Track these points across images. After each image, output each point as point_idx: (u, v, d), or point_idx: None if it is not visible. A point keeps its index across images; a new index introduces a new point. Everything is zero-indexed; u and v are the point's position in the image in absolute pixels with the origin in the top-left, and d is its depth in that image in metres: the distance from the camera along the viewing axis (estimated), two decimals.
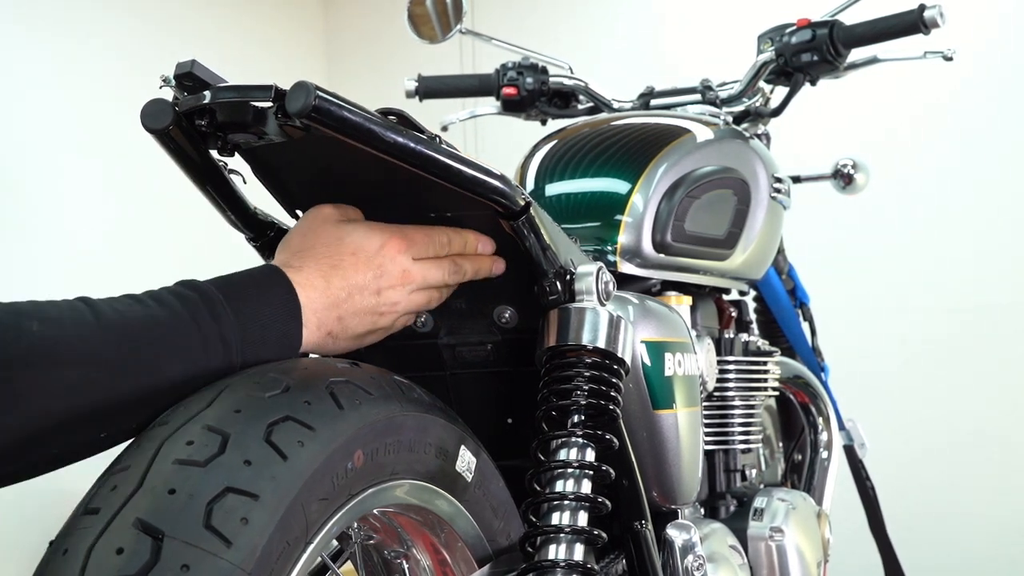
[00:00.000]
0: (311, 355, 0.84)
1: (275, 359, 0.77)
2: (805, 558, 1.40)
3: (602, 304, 0.93)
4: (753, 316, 1.73)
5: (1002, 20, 2.82)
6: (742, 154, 1.47)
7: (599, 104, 1.76)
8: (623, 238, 1.24)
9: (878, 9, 1.59)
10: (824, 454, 1.73)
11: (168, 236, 3.13)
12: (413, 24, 1.77)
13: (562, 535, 0.83)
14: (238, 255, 1.11)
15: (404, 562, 0.93)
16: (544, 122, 1.86)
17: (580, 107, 1.79)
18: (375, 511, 0.84)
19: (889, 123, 2.91)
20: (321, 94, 0.74)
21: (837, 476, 1.74)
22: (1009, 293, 2.76)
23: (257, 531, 0.62)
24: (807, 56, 1.59)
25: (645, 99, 1.71)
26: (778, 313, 1.77)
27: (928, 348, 2.84)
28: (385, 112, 0.80)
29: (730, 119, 1.60)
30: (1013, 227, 2.77)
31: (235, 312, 0.75)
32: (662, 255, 1.27)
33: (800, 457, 1.74)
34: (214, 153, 0.88)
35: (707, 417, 1.38)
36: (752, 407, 1.45)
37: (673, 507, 1.15)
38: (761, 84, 1.65)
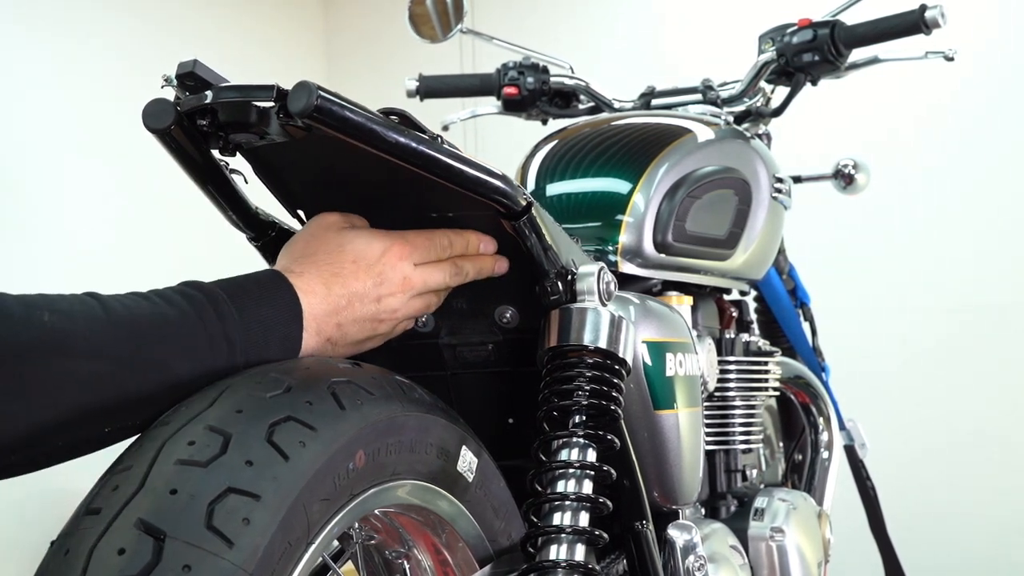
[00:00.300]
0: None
1: (277, 360, 0.77)
2: (806, 558, 1.40)
3: (603, 304, 0.93)
4: (754, 316, 1.73)
5: (1003, 20, 2.82)
6: (743, 154, 1.47)
7: (600, 104, 1.75)
8: (624, 238, 1.24)
9: (879, 9, 1.59)
10: (825, 454, 1.73)
11: (169, 236, 3.13)
12: (413, 24, 1.77)
13: (563, 535, 0.83)
14: (239, 255, 1.12)
15: (405, 562, 0.93)
16: (545, 122, 1.86)
17: (581, 107, 1.79)
18: (376, 511, 0.84)
19: (890, 123, 2.91)
20: (323, 94, 0.74)
21: (838, 476, 1.74)
22: (1009, 293, 2.76)
23: (259, 531, 0.62)
24: (808, 56, 1.59)
25: (646, 99, 1.71)
26: (779, 313, 1.77)
27: (928, 348, 2.84)
28: (387, 112, 0.80)
29: (731, 119, 1.60)
30: (1013, 227, 2.77)
31: (239, 312, 0.76)
32: (663, 255, 1.27)
33: (801, 457, 1.74)
34: (216, 153, 0.88)
35: (708, 417, 1.38)
36: (753, 407, 1.45)
37: (674, 507, 1.15)
38: (762, 84, 1.65)
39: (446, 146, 0.82)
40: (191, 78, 0.80)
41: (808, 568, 1.40)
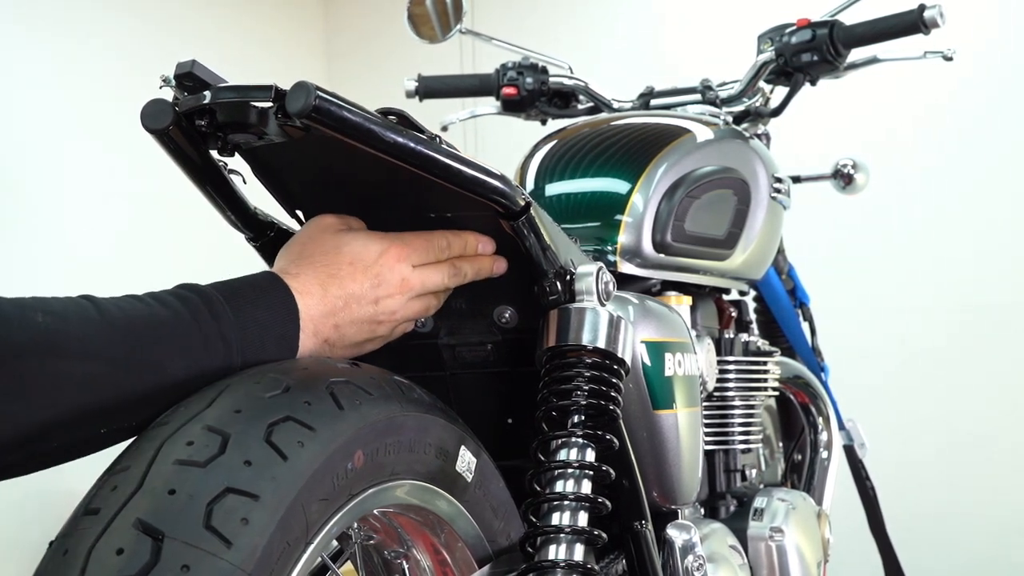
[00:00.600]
0: None
1: (274, 361, 0.77)
2: (805, 558, 1.40)
3: (602, 304, 0.93)
4: (753, 316, 1.73)
5: (1002, 20, 2.82)
6: (742, 154, 1.47)
7: (599, 104, 1.76)
8: (623, 238, 1.24)
9: (878, 9, 1.59)
10: (824, 454, 1.73)
11: (168, 236, 3.13)
12: (413, 24, 1.77)
13: (562, 535, 0.83)
14: (239, 255, 1.12)
15: (404, 562, 0.93)
16: (544, 122, 1.86)
17: (580, 107, 1.79)
18: (375, 511, 0.84)
19: (889, 123, 2.91)
20: (321, 94, 0.74)
21: (837, 476, 1.74)
22: (1009, 293, 2.76)
23: (257, 531, 0.62)
24: (807, 56, 1.59)
25: (645, 99, 1.71)
26: (778, 313, 1.77)
27: (928, 348, 2.84)
28: (385, 112, 0.80)
29: (730, 119, 1.60)
30: (1013, 227, 2.77)
31: (235, 312, 0.76)
32: (662, 255, 1.27)
33: (800, 457, 1.74)
34: (214, 153, 0.88)
35: (707, 417, 1.38)
36: (752, 407, 1.45)
37: (673, 507, 1.15)
38: (761, 84, 1.65)
39: (444, 146, 0.82)
40: (189, 78, 0.80)
41: (807, 568, 1.40)
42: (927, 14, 1.52)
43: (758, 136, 1.66)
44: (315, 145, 0.82)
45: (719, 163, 1.38)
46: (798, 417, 1.75)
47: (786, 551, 1.37)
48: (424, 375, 0.97)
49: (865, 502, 1.83)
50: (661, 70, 2.45)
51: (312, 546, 0.69)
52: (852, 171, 1.88)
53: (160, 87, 0.83)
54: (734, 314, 1.53)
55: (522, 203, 0.87)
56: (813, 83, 1.66)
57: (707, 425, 1.38)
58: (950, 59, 1.63)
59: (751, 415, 1.45)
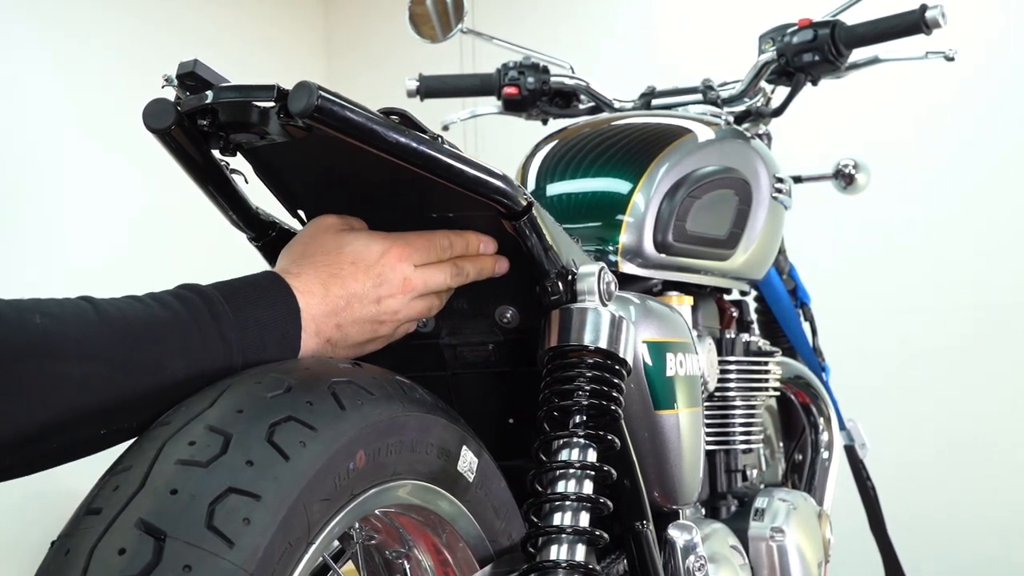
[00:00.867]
0: None
1: (276, 360, 0.77)
2: (806, 558, 1.40)
3: (604, 304, 0.93)
4: (754, 316, 1.73)
5: (1003, 20, 2.82)
6: (743, 154, 1.47)
7: (600, 104, 1.75)
8: (624, 238, 1.24)
9: (879, 9, 1.59)
10: (825, 454, 1.73)
11: (170, 236, 3.13)
12: (414, 24, 1.77)
13: (564, 535, 0.83)
14: (240, 254, 1.11)
15: (406, 562, 0.93)
16: (545, 122, 1.85)
17: (581, 107, 1.79)
18: (377, 511, 0.84)
19: (890, 123, 2.91)
20: (324, 94, 0.74)
21: (838, 476, 1.74)
22: (1009, 293, 2.76)
23: (259, 531, 0.62)
24: (808, 56, 1.59)
25: (646, 99, 1.71)
26: (779, 313, 1.77)
27: (928, 348, 2.84)
28: (387, 112, 0.80)
29: (731, 119, 1.60)
30: (1013, 227, 2.77)
31: (235, 312, 0.76)
32: (663, 255, 1.27)
33: (801, 457, 1.74)
34: (216, 153, 0.88)
35: (708, 417, 1.38)
36: (753, 407, 1.45)
37: (674, 507, 1.15)
38: (762, 84, 1.65)
39: (446, 146, 0.82)
40: (191, 78, 0.80)
41: (808, 568, 1.40)
42: (928, 14, 1.52)
43: (759, 136, 1.66)
44: (317, 145, 0.82)
45: (720, 163, 1.38)
46: (799, 417, 1.75)
47: (787, 551, 1.37)
48: (426, 375, 0.97)
49: (866, 502, 1.83)
50: (662, 70, 2.46)
51: (314, 546, 0.69)
52: (853, 171, 1.88)
53: (162, 87, 0.83)
54: (735, 314, 1.53)
55: (524, 203, 0.87)
56: (814, 83, 1.65)
57: (708, 425, 1.38)
58: (951, 59, 1.63)
59: (752, 415, 1.45)
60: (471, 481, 0.88)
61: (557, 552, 0.82)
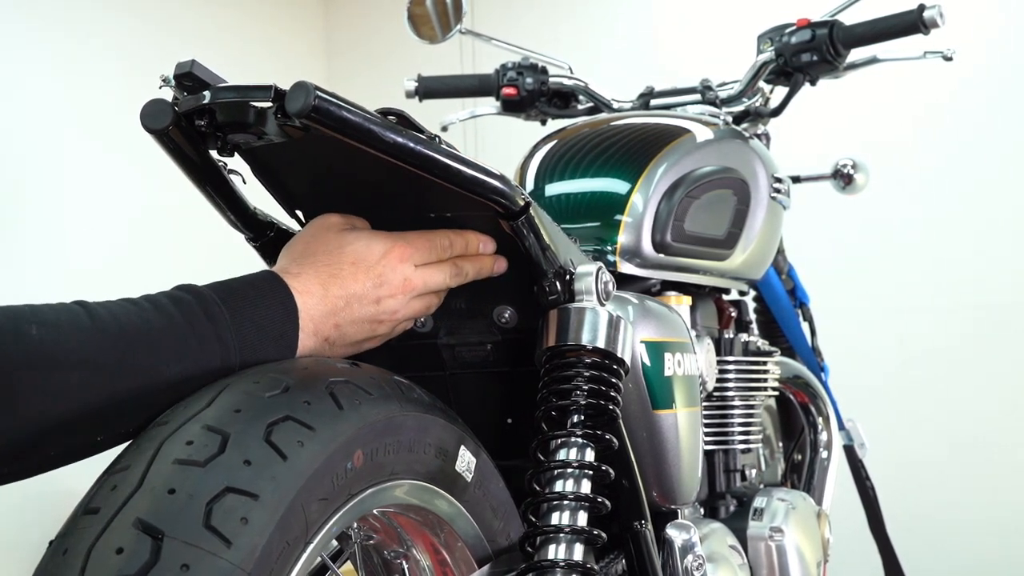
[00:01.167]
0: None
1: (273, 360, 0.77)
2: (805, 558, 1.40)
3: (602, 304, 0.93)
4: (753, 316, 1.73)
5: (1002, 20, 2.82)
6: (742, 154, 1.47)
7: (599, 104, 1.76)
8: (623, 238, 1.24)
9: (878, 9, 1.59)
10: (824, 454, 1.73)
11: (168, 236, 3.13)
12: (413, 24, 1.77)
13: (562, 535, 0.83)
14: (239, 254, 1.11)
15: (404, 562, 0.93)
16: (544, 122, 1.86)
17: (580, 107, 1.79)
18: (375, 511, 0.84)
19: (889, 123, 2.91)
20: (321, 94, 0.74)
21: (837, 476, 1.74)
22: (1009, 293, 2.76)
23: (257, 531, 0.62)
24: (807, 56, 1.59)
25: (645, 99, 1.71)
26: (778, 313, 1.77)
27: (927, 348, 2.84)
28: (385, 112, 0.80)
29: (730, 119, 1.60)
30: (1013, 227, 2.77)
31: (231, 313, 0.76)
32: (662, 255, 1.27)
33: (800, 457, 1.74)
34: (214, 153, 0.88)
35: (707, 417, 1.38)
36: (752, 407, 1.45)
37: (673, 507, 1.15)
38: (761, 84, 1.65)
39: (444, 146, 0.82)
40: (189, 78, 0.80)
41: (807, 568, 1.40)
42: (927, 14, 1.52)
43: (758, 136, 1.66)
44: (315, 145, 0.82)
45: (719, 163, 1.38)
46: (798, 417, 1.75)
47: (786, 551, 1.37)
48: (424, 375, 0.97)
49: (865, 502, 1.83)
50: (661, 70, 2.45)
51: (312, 546, 0.69)
52: (852, 171, 1.88)
53: (160, 87, 0.83)
54: (734, 314, 1.53)
55: (521, 203, 0.87)
56: (813, 83, 1.66)
57: (707, 425, 1.38)
58: (950, 59, 1.63)
59: (751, 415, 1.45)
60: (469, 481, 0.88)
61: (555, 551, 0.83)
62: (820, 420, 1.74)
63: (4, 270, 2.77)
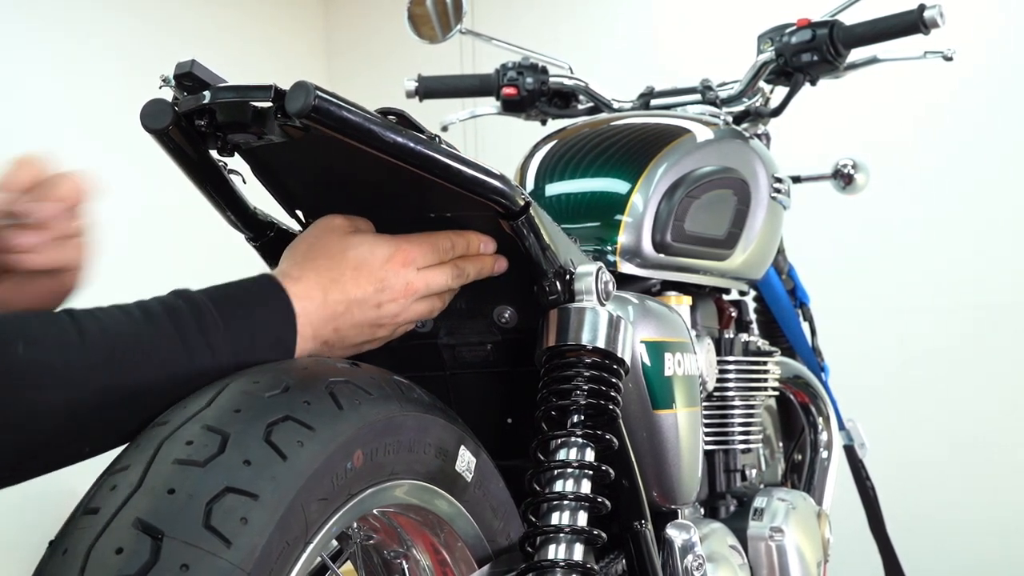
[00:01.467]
0: None
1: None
2: (805, 558, 1.40)
3: (602, 304, 0.93)
4: (753, 316, 1.73)
5: (1002, 20, 2.82)
6: (742, 154, 1.47)
7: (599, 104, 1.76)
8: (623, 238, 1.24)
9: (878, 9, 1.59)
10: (824, 454, 1.73)
11: (168, 236, 3.13)
12: (413, 24, 1.77)
13: (562, 535, 0.83)
14: (239, 255, 1.11)
15: (404, 562, 0.93)
16: (544, 122, 1.86)
17: (580, 107, 1.79)
18: (375, 511, 0.84)
19: (889, 123, 2.91)
20: (320, 94, 0.74)
21: (837, 476, 1.74)
22: (1009, 293, 2.76)
23: (257, 531, 0.62)
24: (807, 56, 1.59)
25: (645, 99, 1.71)
26: (778, 313, 1.77)
27: (928, 348, 2.84)
28: (385, 112, 0.80)
29: (730, 119, 1.60)
30: (1013, 227, 2.77)
31: (225, 321, 0.75)
32: (662, 255, 1.27)
33: (800, 457, 1.74)
34: (214, 153, 0.88)
35: (707, 417, 1.38)
36: (752, 407, 1.45)
37: (673, 507, 1.15)
38: (761, 84, 1.65)
39: (444, 146, 0.82)
40: (189, 78, 0.80)
41: (807, 568, 1.40)
42: (927, 14, 1.52)
43: (758, 136, 1.66)
44: (315, 145, 0.82)
45: (719, 163, 1.38)
46: (798, 417, 1.75)
47: (786, 551, 1.37)
48: (424, 375, 0.97)
49: (865, 502, 1.83)
50: (661, 70, 2.45)
51: (311, 546, 0.69)
52: (852, 171, 1.88)
53: (160, 87, 0.83)
54: (734, 314, 1.53)
55: (521, 203, 0.87)
56: (813, 83, 1.66)
57: (707, 425, 1.38)
58: (950, 59, 1.63)
59: (751, 415, 1.45)
60: (469, 481, 0.88)
61: (555, 551, 0.83)
62: (820, 420, 1.74)
63: None
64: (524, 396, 0.96)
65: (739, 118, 1.66)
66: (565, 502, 0.85)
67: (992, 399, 2.75)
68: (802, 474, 1.72)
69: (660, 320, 1.14)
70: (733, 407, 1.42)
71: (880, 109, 2.90)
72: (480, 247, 0.93)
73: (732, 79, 1.69)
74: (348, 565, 0.97)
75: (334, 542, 0.92)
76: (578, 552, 0.83)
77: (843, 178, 1.88)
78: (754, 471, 1.56)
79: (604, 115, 1.68)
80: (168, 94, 0.83)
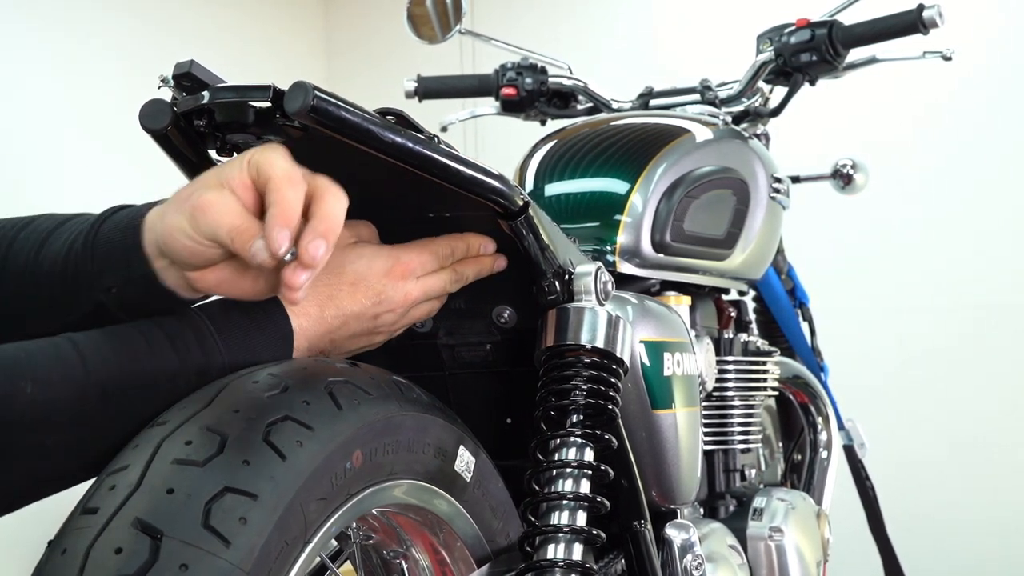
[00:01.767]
0: None
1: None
2: (804, 558, 1.40)
3: (601, 304, 0.93)
4: (752, 316, 1.73)
5: (1002, 20, 2.82)
6: (741, 154, 1.47)
7: (598, 104, 1.76)
8: (622, 238, 1.24)
9: (877, 9, 1.59)
10: (824, 454, 1.73)
11: None
12: (413, 24, 1.77)
13: (561, 535, 0.83)
14: None
15: (403, 562, 0.93)
16: (543, 122, 1.86)
17: (579, 107, 1.79)
18: (374, 511, 0.84)
19: (888, 123, 2.91)
20: (319, 94, 0.74)
21: (837, 476, 1.74)
22: (1009, 293, 2.76)
23: (256, 531, 0.62)
24: (806, 56, 1.59)
25: (644, 99, 1.71)
26: (777, 313, 1.77)
27: (927, 348, 2.84)
28: (384, 112, 0.80)
29: (729, 119, 1.60)
30: (1013, 227, 2.77)
31: (225, 343, 0.76)
32: (661, 255, 1.27)
33: (800, 457, 1.74)
34: (213, 153, 0.88)
35: (706, 417, 1.38)
36: (751, 407, 1.45)
37: (672, 507, 1.15)
38: (760, 84, 1.65)
39: (443, 146, 0.82)
40: (188, 78, 0.80)
41: (807, 568, 1.40)
42: (926, 14, 1.52)
43: (757, 136, 1.66)
44: (314, 145, 0.82)
45: (718, 163, 1.38)
46: (798, 417, 1.75)
47: (785, 551, 1.37)
48: (423, 375, 0.97)
49: (865, 502, 1.83)
50: (660, 70, 2.45)
51: (310, 545, 0.69)
52: (851, 171, 1.88)
53: (159, 87, 0.83)
54: (733, 314, 1.53)
55: (520, 203, 0.87)
56: (812, 83, 1.66)
57: (706, 425, 1.38)
58: (949, 59, 1.63)
59: (750, 415, 1.45)
60: (468, 481, 0.88)
61: (554, 551, 0.82)
62: (820, 420, 1.74)
63: None
64: (523, 396, 0.96)
65: (738, 118, 1.66)
66: (564, 502, 0.85)
67: (992, 399, 2.75)
68: (801, 474, 1.72)
69: (659, 320, 1.14)
70: (732, 407, 1.42)
71: (879, 109, 2.90)
72: (480, 249, 0.93)
73: (731, 79, 1.69)
74: (347, 565, 0.97)
75: (333, 542, 0.92)
76: (577, 552, 0.83)
77: (842, 178, 1.88)
78: (753, 471, 1.56)
79: (603, 115, 1.68)
80: (167, 94, 0.83)
